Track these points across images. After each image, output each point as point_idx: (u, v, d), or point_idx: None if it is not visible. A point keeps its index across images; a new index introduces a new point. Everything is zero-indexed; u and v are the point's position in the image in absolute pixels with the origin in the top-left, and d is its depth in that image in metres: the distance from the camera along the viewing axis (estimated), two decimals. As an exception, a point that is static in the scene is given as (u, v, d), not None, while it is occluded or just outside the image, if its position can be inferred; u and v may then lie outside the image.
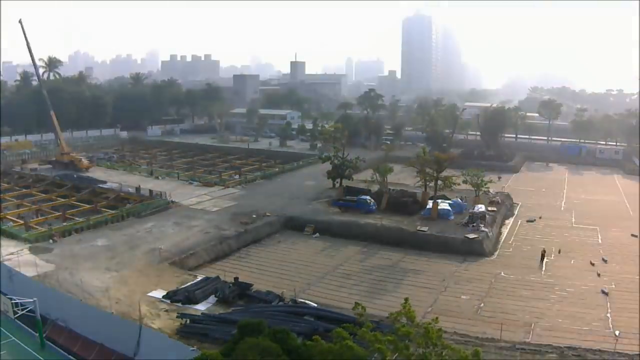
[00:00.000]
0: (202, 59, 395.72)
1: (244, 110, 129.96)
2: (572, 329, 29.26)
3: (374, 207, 51.73)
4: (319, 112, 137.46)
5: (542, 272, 39.14)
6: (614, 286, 35.85)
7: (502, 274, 38.67)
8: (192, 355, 21.96)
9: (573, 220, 54.28)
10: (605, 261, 40.82)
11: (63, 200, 58.58)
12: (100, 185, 62.73)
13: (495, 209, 52.99)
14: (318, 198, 57.57)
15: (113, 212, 50.57)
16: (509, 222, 53.09)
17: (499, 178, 69.38)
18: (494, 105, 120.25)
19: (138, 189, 58.50)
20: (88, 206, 55.26)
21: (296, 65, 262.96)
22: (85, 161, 76.03)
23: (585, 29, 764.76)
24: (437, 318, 19.63)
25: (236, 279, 33.48)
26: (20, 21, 71.67)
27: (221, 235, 44.39)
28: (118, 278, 34.49)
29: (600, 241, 46.92)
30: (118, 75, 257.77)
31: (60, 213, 51.65)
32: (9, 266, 33.77)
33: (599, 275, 37.95)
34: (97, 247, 40.74)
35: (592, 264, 40.40)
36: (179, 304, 30.51)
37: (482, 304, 33.21)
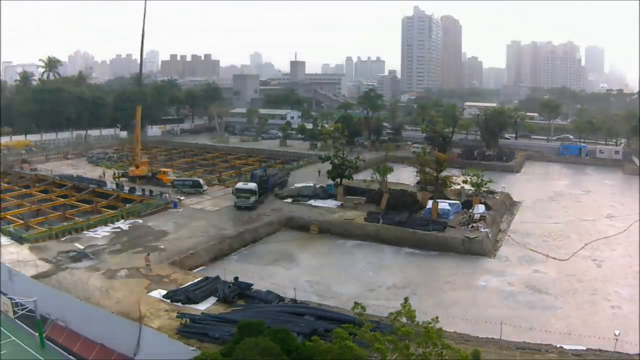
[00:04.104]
0: (202, 59, 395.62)
1: (244, 110, 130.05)
2: (571, 328, 29.25)
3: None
4: (319, 112, 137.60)
5: (543, 271, 39.14)
6: (615, 287, 35.87)
7: (502, 273, 38.69)
8: (192, 355, 21.98)
9: (573, 220, 54.27)
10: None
11: (63, 200, 58.62)
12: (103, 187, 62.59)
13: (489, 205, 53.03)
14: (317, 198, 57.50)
15: (113, 212, 50.58)
16: (510, 221, 53.05)
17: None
18: (494, 105, 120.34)
19: (144, 190, 58.55)
20: (88, 206, 55.31)
21: (296, 65, 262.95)
22: (171, 175, 65.46)
23: (587, 26, 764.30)
24: (437, 318, 19.60)
25: (236, 278, 33.46)
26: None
27: (221, 235, 44.40)
28: (118, 278, 34.50)
29: (600, 241, 46.91)
30: (118, 75, 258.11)
31: (60, 213, 51.72)
32: (9, 266, 33.80)
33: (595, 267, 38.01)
34: (96, 247, 40.75)
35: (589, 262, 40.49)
36: (179, 304, 30.50)
37: (482, 304, 33.23)
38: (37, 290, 29.85)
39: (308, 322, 26.88)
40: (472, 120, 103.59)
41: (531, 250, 44.00)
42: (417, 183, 60.15)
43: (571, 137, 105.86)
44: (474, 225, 46.36)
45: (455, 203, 52.19)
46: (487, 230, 45.79)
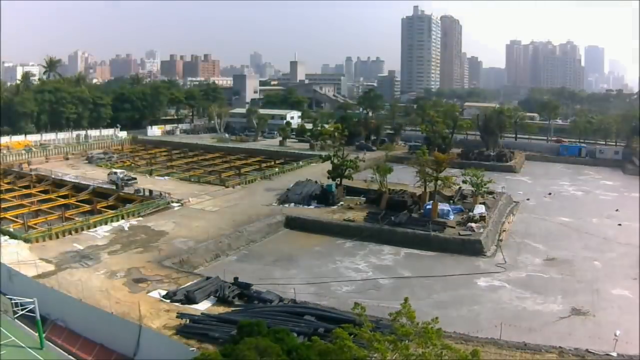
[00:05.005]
0: (202, 59, 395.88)
1: (243, 110, 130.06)
2: (572, 327, 29.29)
3: None
4: (318, 112, 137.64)
5: (542, 271, 39.16)
6: (615, 287, 35.89)
7: (501, 273, 38.71)
8: (192, 355, 21.99)
9: (573, 220, 54.30)
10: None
11: (63, 200, 58.64)
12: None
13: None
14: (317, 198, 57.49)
15: (113, 212, 50.58)
16: (509, 221, 53.06)
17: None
18: (494, 105, 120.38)
19: (137, 190, 58.85)
20: (88, 206, 55.32)
21: (296, 65, 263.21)
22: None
23: (587, 26, 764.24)
24: (437, 318, 19.62)
25: (236, 278, 33.48)
26: None
27: (221, 235, 44.39)
28: (118, 278, 34.51)
29: (601, 240, 46.97)
30: (118, 75, 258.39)
31: (60, 213, 51.71)
32: (9, 266, 33.77)
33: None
34: (96, 247, 40.75)
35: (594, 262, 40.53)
36: (179, 304, 30.51)
37: (481, 304, 33.26)
38: (37, 290, 29.81)
39: (308, 322, 26.90)
40: (472, 120, 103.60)
41: (531, 250, 44.06)
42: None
43: (565, 140, 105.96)
44: (474, 225, 46.36)
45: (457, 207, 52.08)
46: (486, 230, 45.79)
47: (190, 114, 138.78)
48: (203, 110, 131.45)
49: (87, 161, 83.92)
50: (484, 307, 32.85)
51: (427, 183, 52.59)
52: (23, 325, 28.61)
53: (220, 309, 29.95)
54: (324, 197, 55.54)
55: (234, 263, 40.54)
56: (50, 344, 27.61)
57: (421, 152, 55.57)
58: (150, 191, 57.88)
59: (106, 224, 46.88)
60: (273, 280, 35.73)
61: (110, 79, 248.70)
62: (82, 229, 44.89)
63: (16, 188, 64.39)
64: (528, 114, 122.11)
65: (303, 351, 19.85)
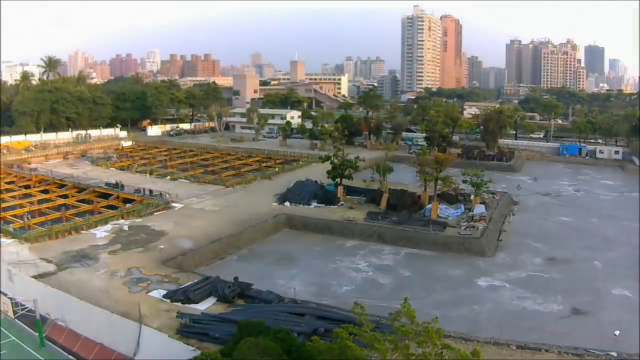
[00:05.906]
0: (202, 58, 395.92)
1: (243, 110, 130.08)
2: (572, 327, 29.29)
3: None
4: (318, 112, 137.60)
5: (543, 271, 39.17)
6: (615, 287, 35.89)
7: (502, 273, 38.70)
8: (192, 355, 22.03)
9: (573, 220, 54.30)
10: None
11: (63, 200, 58.62)
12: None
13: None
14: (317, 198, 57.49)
15: (113, 212, 50.57)
16: (509, 221, 53.06)
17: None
18: (494, 105, 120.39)
19: (137, 189, 58.78)
20: (88, 206, 55.30)
21: (296, 65, 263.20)
22: None
23: (587, 26, 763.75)
24: (437, 318, 19.61)
25: (236, 278, 33.47)
26: None
27: (221, 235, 44.38)
28: (118, 278, 34.51)
29: (601, 240, 46.95)
30: (118, 75, 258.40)
31: (60, 213, 51.71)
32: (9, 266, 33.80)
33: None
34: (96, 247, 40.74)
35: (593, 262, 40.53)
36: (179, 304, 30.51)
37: (481, 303, 33.27)
38: (37, 290, 29.86)
39: (308, 322, 26.90)
40: (472, 120, 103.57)
41: (531, 250, 44.05)
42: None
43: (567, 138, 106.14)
44: (474, 225, 46.38)
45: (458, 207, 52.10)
46: (486, 230, 45.78)
47: (191, 113, 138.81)
48: (203, 110, 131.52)
49: (87, 161, 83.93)
50: (484, 307, 32.86)
51: (428, 183, 52.57)
52: (23, 325, 28.66)
53: (221, 309, 29.95)
54: (324, 197, 55.55)
55: (234, 262, 40.55)
56: (50, 344, 27.65)
57: (422, 151, 55.49)
58: (151, 191, 57.88)
59: (106, 223, 46.90)
60: (273, 280, 35.73)
61: (110, 79, 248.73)
62: (82, 229, 44.89)
63: (16, 188, 64.35)
64: (528, 114, 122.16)
65: (303, 351, 19.86)
